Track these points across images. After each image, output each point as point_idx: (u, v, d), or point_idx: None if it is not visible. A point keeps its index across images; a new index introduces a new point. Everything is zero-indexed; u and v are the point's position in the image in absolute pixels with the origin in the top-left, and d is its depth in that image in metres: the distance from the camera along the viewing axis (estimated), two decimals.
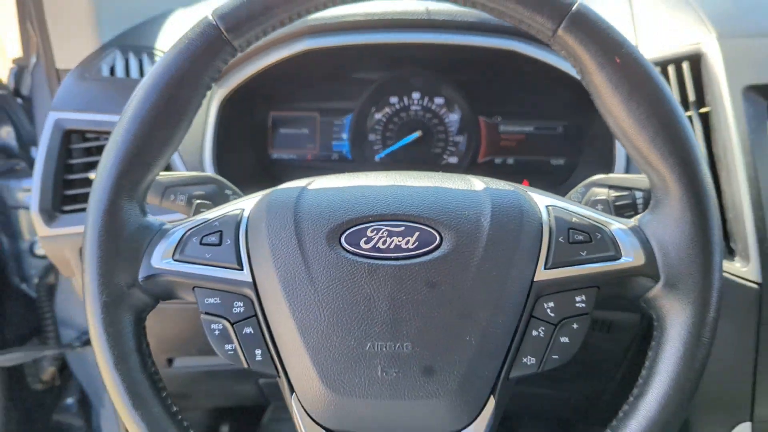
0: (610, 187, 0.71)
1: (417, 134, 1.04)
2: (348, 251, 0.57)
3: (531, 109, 1.05)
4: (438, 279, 0.56)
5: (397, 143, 1.05)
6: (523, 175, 1.02)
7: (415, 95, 1.05)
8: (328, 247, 0.57)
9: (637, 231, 0.58)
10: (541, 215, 0.59)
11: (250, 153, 1.05)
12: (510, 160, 1.06)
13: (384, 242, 0.56)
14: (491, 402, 0.57)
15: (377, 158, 1.06)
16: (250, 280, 0.58)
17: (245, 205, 0.62)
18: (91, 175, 0.92)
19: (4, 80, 1.33)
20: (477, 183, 0.61)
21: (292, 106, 1.07)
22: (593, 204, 0.70)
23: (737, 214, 0.80)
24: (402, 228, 0.57)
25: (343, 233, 0.57)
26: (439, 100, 1.06)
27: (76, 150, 0.94)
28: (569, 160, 1.05)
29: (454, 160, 1.06)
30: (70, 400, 1.56)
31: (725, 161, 0.82)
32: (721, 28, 0.88)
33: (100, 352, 0.58)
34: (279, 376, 0.59)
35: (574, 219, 0.59)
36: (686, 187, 0.54)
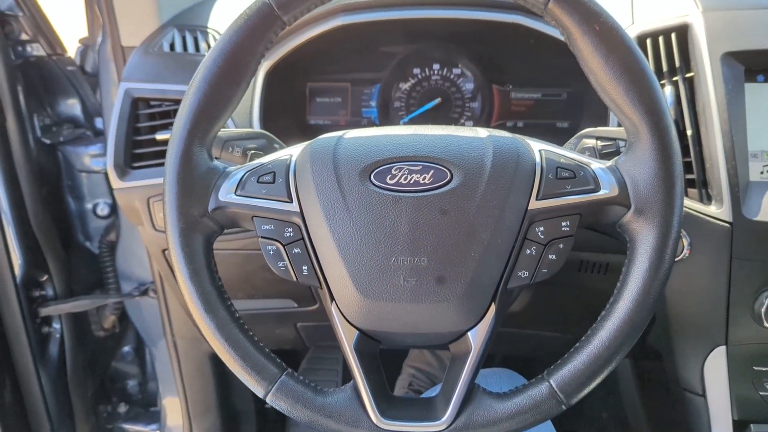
0: (597, 138, 0.83)
1: (437, 101, 1.16)
2: (376, 186, 0.66)
3: (538, 78, 1.16)
4: (449, 207, 0.65)
5: (419, 109, 1.17)
6: (533, 137, 1.14)
7: (435, 66, 1.18)
8: (361, 183, 0.67)
9: (613, 170, 0.67)
10: (535, 157, 0.71)
11: (290, 119, 1.19)
12: (520, 124, 1.18)
13: (405, 178, 0.66)
14: (492, 308, 0.66)
15: (401, 123, 1.19)
16: (298, 210, 0.68)
17: (293, 151, 0.76)
18: (157, 136, 1.06)
19: (72, 57, 1.48)
20: (482, 131, 0.74)
21: (326, 78, 1.20)
22: (582, 152, 0.83)
23: (713, 163, 0.91)
24: (420, 167, 0.67)
25: (372, 172, 0.67)
26: (456, 71, 1.18)
27: (142, 115, 1.08)
28: (572, 123, 1.16)
29: (469, 123, 1.18)
30: (127, 348, 1.69)
31: (704, 118, 0.93)
32: (707, 2, 0.99)
33: (178, 267, 0.71)
34: (321, 287, 0.68)
35: (561, 160, 0.69)
36: (653, 131, 0.63)
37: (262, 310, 1.29)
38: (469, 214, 0.65)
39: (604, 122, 1.03)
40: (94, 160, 1.43)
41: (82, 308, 1.45)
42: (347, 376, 1.73)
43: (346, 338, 0.68)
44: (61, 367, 1.47)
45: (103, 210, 1.51)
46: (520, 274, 0.66)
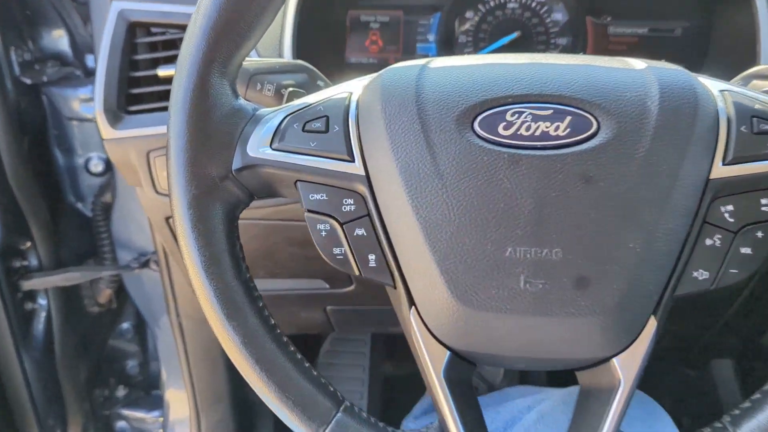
0: None
1: (514, 35, 0.92)
2: (483, 138, 0.48)
3: (646, 8, 0.93)
4: (595, 172, 0.46)
5: (491, 45, 0.93)
6: None
7: None
8: (459, 134, 0.48)
9: None
10: (716, 101, 0.49)
11: (325, 56, 0.95)
12: None
13: (528, 128, 0.47)
14: (652, 323, 0.48)
15: None
16: (363, 173, 0.50)
17: (352, 87, 0.53)
18: (159, 72, 0.83)
19: None
20: (635, 62, 0.51)
21: (372, 3, 0.96)
22: None
23: None
24: (550, 111, 0.48)
25: (476, 117, 0.48)
26: None
27: (141, 45, 0.86)
28: (690, 68, 0.92)
29: None
30: (125, 325, 1.54)
31: None
32: None
33: (188, 252, 0.50)
34: (395, 286, 0.50)
35: (757, 105, 0.49)
36: None
37: (287, 292, 1.09)
38: (626, 185, 0.47)
39: (740, 63, 0.79)
40: (86, 105, 1.25)
41: (71, 282, 1.29)
42: (377, 359, 1.54)
43: (432, 362, 0.51)
44: (48, 348, 1.33)
45: (97, 166, 1.33)
46: (696, 275, 0.48)
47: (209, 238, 0.50)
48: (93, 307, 1.42)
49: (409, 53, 0.97)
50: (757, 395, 0.49)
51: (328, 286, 1.08)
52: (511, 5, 0.94)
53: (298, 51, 0.85)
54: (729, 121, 0.48)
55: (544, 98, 0.48)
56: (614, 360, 0.49)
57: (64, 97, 1.24)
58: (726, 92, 0.50)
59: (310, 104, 0.52)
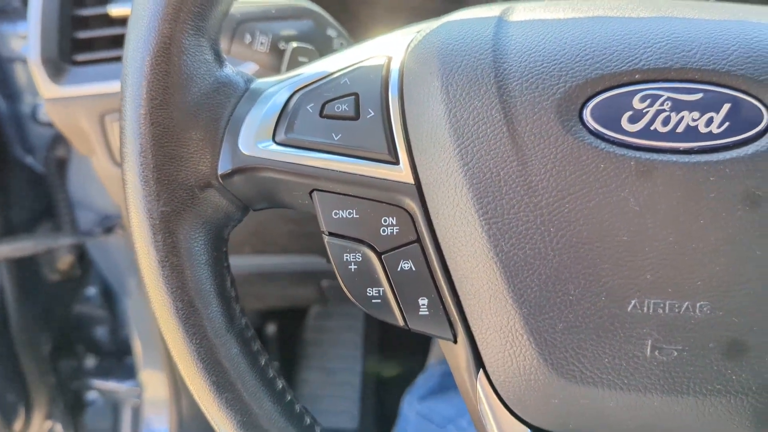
0: None
1: None
2: (597, 135, 0.33)
3: None
4: (765, 190, 0.32)
5: None
6: None
7: None
8: (560, 127, 0.33)
9: None
10: None
11: None
12: None
13: (666, 121, 0.32)
14: None
15: None
16: (412, 180, 0.35)
17: (391, 49, 0.37)
18: (111, 11, 0.64)
19: None
20: None
21: None
22: None
23: None
24: (699, 95, 0.32)
25: (587, 102, 0.33)
26: None
27: None
28: None
29: None
30: (92, 290, 1.39)
31: None
32: None
33: (157, 297, 0.35)
34: (456, 341, 0.36)
35: None
36: None
37: (276, 268, 0.94)
38: None
39: None
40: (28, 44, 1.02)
41: (23, 252, 1.14)
42: (371, 335, 1.41)
43: None
44: (2, 321, 1.20)
45: (46, 114, 1.11)
46: None
47: (186, 276, 0.35)
48: (53, 274, 1.27)
49: None
50: None
51: (326, 260, 0.94)
52: None
53: None
54: None
55: (691, 75, 0.32)
56: None
57: (1, 34, 1.03)
58: None
59: (330, 74, 0.36)
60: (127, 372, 1.39)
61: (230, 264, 0.39)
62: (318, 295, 1.07)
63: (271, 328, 1.34)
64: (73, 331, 1.40)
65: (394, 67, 0.36)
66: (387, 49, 0.37)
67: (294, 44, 0.45)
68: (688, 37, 0.33)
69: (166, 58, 0.33)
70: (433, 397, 0.86)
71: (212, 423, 0.36)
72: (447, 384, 0.86)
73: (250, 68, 0.50)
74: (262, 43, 0.45)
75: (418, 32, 0.37)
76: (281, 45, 0.45)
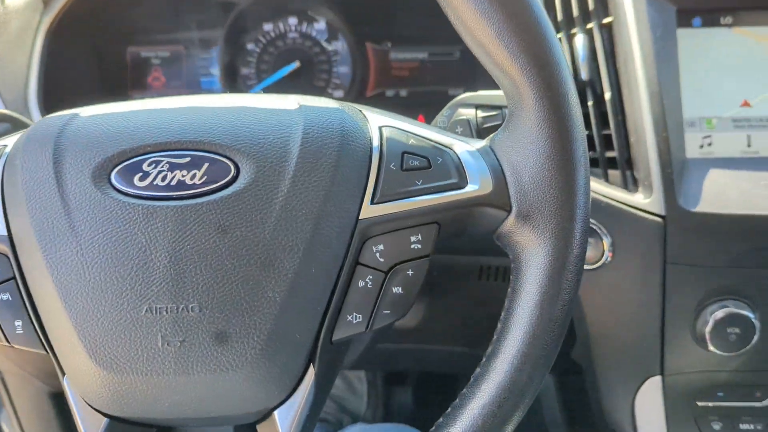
0: (478, 106, 0.59)
1: (294, 65, 0.91)
2: (119, 191, 0.45)
3: (424, 33, 0.93)
4: (231, 222, 0.44)
5: (272, 76, 0.91)
6: (418, 109, 0.90)
7: (292, 21, 0.92)
8: (95, 188, 0.45)
9: (487, 153, 0.48)
10: (371, 137, 0.48)
11: (104, 97, 0.92)
12: (403, 92, 0.94)
13: (164, 178, 0.45)
14: (310, 372, 0.46)
15: (251, 93, 0.93)
16: (5, 232, 0.47)
17: (11, 140, 0.50)
18: None
19: None
20: (292, 102, 0.49)
21: (151, 40, 0.93)
22: (454, 127, 0.59)
23: (639, 137, 0.68)
24: (187, 159, 0.46)
25: (113, 169, 0.46)
26: (319, 26, 0.92)
27: None
28: (470, 89, 0.92)
29: (339, 93, 0.93)
30: None
31: (627, 77, 0.70)
32: None
33: None
34: (48, 352, 0.47)
35: (411, 141, 0.48)
36: (541, 93, 0.44)
37: None
38: (264, 232, 0.44)
39: None
40: None
41: None
42: None
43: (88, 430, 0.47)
44: None
45: None
46: (350, 318, 0.47)
47: None
48: None
49: (194, 87, 0.94)
50: (477, 369, 0.47)
51: None
52: (291, 35, 0.92)
53: (53, 91, 0.81)
54: (381, 157, 0.47)
55: (182, 145, 0.46)
56: (275, 413, 0.46)
57: None
58: (384, 128, 0.49)
59: None
60: None
61: None
62: None
63: None
64: None
65: (6, 152, 0.49)
66: (9, 140, 0.49)
67: None
68: (187, 120, 0.47)
69: None
70: None
71: None
72: None
73: None
74: None
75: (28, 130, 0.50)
76: None
